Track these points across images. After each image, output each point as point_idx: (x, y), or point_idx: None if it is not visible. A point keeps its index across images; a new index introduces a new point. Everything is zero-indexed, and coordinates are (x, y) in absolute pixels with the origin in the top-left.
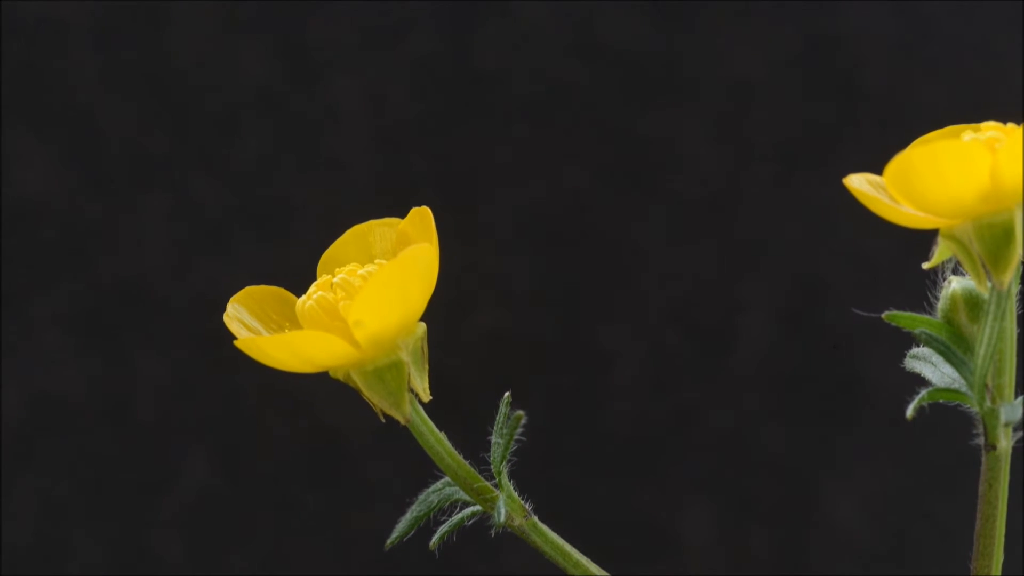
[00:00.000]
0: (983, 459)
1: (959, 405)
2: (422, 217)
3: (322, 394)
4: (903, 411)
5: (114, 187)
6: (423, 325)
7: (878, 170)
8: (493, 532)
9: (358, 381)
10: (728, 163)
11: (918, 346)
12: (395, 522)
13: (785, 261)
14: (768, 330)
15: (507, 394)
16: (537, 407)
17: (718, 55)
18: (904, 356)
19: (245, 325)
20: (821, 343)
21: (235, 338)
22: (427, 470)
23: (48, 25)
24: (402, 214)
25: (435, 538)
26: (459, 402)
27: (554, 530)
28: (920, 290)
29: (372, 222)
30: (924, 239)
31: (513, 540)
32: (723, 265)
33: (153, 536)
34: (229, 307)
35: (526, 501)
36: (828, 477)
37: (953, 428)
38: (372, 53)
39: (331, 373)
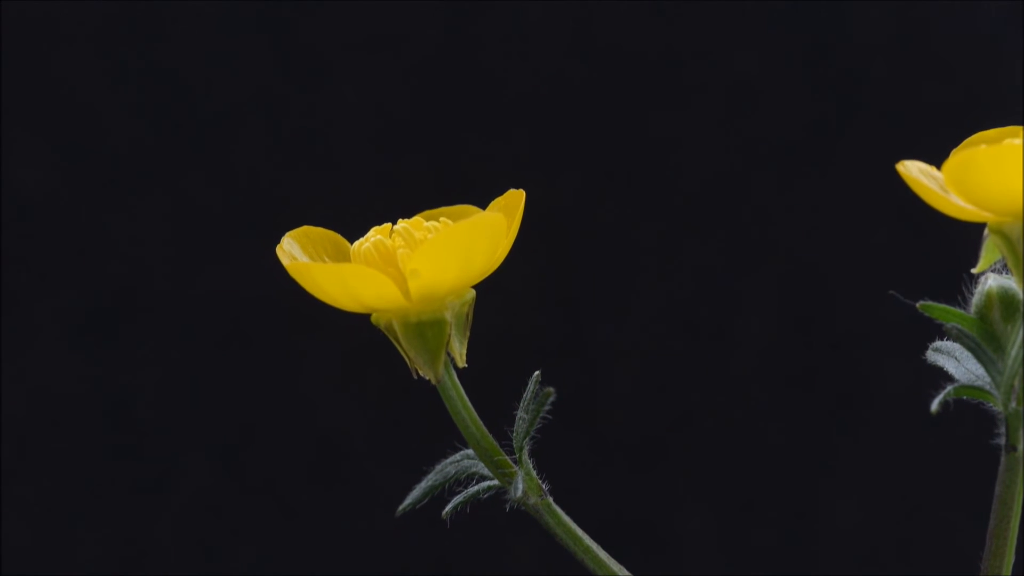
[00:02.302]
0: (1002, 460)
1: (981, 403)
2: (511, 199)
3: (322, 394)
4: (903, 410)
5: (114, 187)
6: (473, 292)
7: (877, 168)
8: (508, 507)
9: (398, 332)
10: (728, 163)
11: (941, 339)
12: (394, 523)
13: (785, 261)
14: (768, 330)
15: (536, 373)
16: None
17: (718, 55)
18: (903, 356)
19: (295, 260)
20: (821, 343)
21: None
22: (427, 470)
23: (48, 25)
24: (403, 214)
25: (449, 507)
26: None
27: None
28: (920, 289)
29: (444, 208)
30: (924, 242)
31: (511, 541)
32: (723, 264)
33: (153, 536)
34: (284, 241)
35: (544, 481)
36: (829, 477)
37: (954, 428)
38: (372, 53)
39: (373, 319)
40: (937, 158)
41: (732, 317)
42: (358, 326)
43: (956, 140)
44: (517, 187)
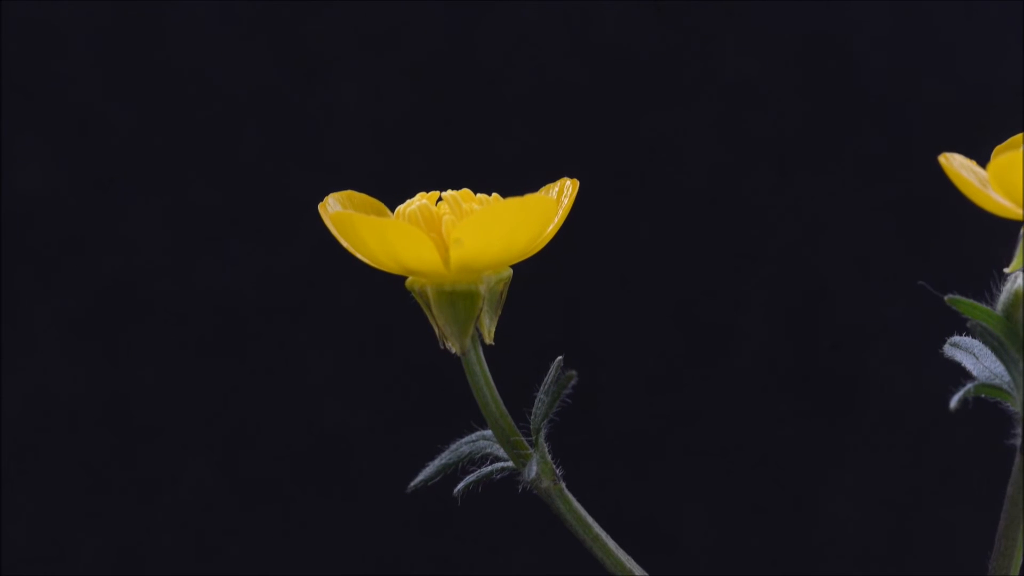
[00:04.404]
0: (1016, 460)
1: (998, 402)
2: (564, 187)
3: (322, 394)
4: (903, 410)
5: (114, 187)
6: (510, 271)
7: (877, 168)
8: (520, 489)
9: (431, 299)
10: (728, 163)
11: (960, 335)
12: (395, 523)
13: (785, 261)
14: (768, 330)
15: (559, 358)
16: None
17: (718, 55)
18: (904, 356)
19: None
20: (821, 343)
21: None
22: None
23: (48, 25)
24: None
25: (461, 485)
26: (457, 401)
27: (553, 529)
28: (919, 289)
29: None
30: (924, 242)
31: (512, 541)
32: (723, 265)
33: (153, 536)
34: (328, 199)
35: (558, 467)
36: (828, 476)
37: (953, 428)
38: (372, 52)
39: (408, 283)
40: (937, 157)
41: (732, 317)
42: (357, 325)
43: (956, 139)
44: (517, 186)
